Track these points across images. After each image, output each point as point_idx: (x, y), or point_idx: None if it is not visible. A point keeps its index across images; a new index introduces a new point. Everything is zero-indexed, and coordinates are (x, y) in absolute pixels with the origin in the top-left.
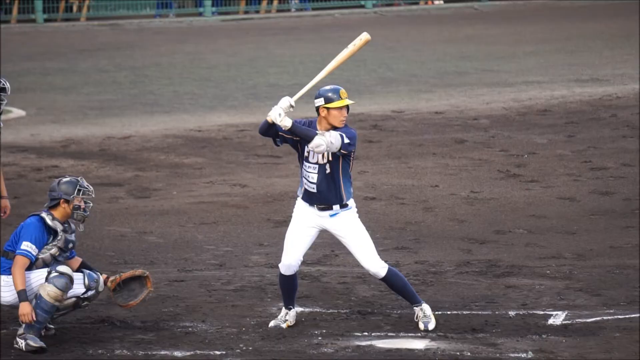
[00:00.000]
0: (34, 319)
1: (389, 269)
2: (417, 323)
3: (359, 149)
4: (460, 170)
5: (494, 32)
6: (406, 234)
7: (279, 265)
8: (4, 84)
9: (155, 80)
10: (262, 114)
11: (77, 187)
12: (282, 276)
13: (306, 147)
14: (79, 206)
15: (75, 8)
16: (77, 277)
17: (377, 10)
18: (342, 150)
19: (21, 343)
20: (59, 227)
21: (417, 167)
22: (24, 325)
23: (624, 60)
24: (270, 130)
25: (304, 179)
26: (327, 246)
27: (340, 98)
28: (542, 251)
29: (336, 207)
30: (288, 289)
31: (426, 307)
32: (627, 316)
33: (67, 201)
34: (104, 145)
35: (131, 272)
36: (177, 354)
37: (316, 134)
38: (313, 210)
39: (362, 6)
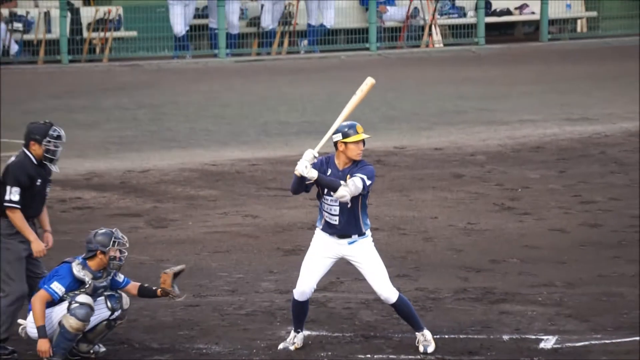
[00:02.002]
0: (51, 355)
1: (399, 296)
2: (417, 346)
3: None
4: (458, 203)
5: (490, 74)
6: (407, 263)
7: (294, 290)
8: (59, 132)
9: (173, 117)
10: (273, 150)
11: (112, 239)
12: (295, 301)
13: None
14: (115, 257)
15: (98, 50)
16: (99, 302)
17: (380, 53)
18: (363, 192)
19: None
20: (88, 277)
21: (417, 200)
22: (52, 349)
23: (612, 101)
24: (302, 184)
25: (325, 212)
26: (333, 274)
27: (356, 133)
28: (534, 279)
29: (355, 236)
30: (299, 313)
31: (427, 333)
32: (613, 341)
33: (103, 252)
34: (124, 178)
35: (177, 268)
36: None
37: (340, 184)
38: (333, 240)
39: (367, 48)
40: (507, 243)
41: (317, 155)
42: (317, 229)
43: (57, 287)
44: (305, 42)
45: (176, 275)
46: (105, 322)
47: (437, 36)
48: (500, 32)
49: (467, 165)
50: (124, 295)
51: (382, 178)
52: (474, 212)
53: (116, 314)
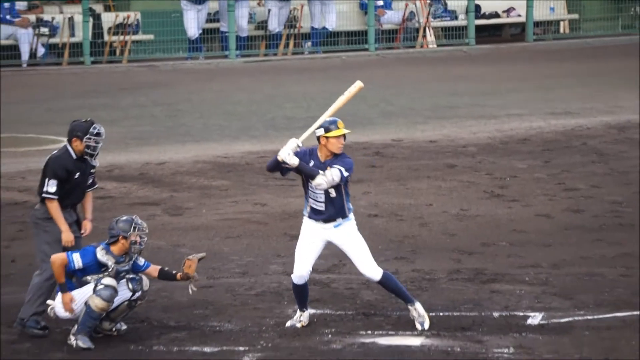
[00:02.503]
0: (73, 310)
1: (383, 273)
2: (413, 323)
3: (363, 172)
4: (451, 191)
5: (480, 72)
6: (404, 246)
7: (292, 276)
8: (99, 130)
9: (187, 114)
10: (280, 143)
11: (133, 225)
12: (295, 285)
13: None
14: (136, 241)
15: (118, 52)
16: (121, 284)
17: (379, 53)
18: (341, 182)
19: (74, 341)
20: (111, 261)
21: (413, 189)
22: (76, 327)
23: (593, 96)
24: (277, 167)
25: (311, 199)
26: (335, 257)
27: (337, 128)
28: (522, 261)
29: (339, 219)
30: (300, 295)
31: (419, 306)
32: (595, 317)
33: (125, 237)
34: (143, 170)
35: (200, 255)
36: (207, 349)
37: (319, 173)
38: (319, 225)
39: (366, 49)
40: (496, 228)
41: (300, 144)
42: (304, 217)
43: (76, 259)
44: (309, 43)
45: (198, 262)
46: (126, 303)
47: (430, 37)
48: (489, 33)
49: (459, 156)
50: (144, 277)
51: (381, 168)
52: (466, 200)
53: (137, 294)
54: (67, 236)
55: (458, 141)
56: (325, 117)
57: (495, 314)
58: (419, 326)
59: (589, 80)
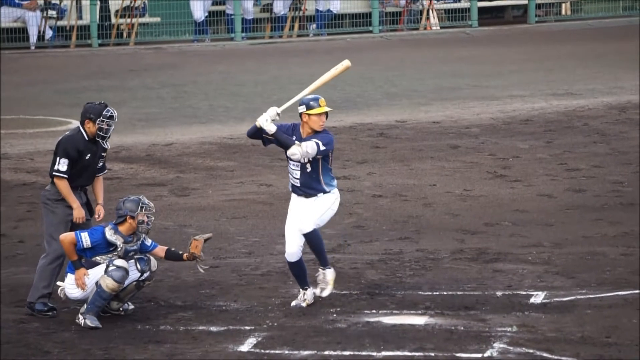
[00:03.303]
0: (85, 284)
1: (315, 229)
2: (417, 303)
3: (367, 153)
4: (454, 172)
5: (483, 54)
6: (408, 226)
7: (285, 255)
8: (112, 113)
9: (194, 95)
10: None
11: (140, 204)
12: (290, 263)
13: None
14: (143, 220)
15: (125, 34)
16: (130, 264)
17: (383, 35)
18: (318, 156)
19: (82, 320)
20: (120, 241)
21: (417, 169)
22: (85, 306)
23: (594, 77)
24: (256, 133)
25: (289, 174)
26: (340, 237)
27: (319, 106)
28: (524, 240)
29: (320, 194)
30: (298, 272)
31: (329, 272)
32: (597, 295)
33: (132, 217)
34: (149, 151)
35: (206, 236)
36: (213, 329)
37: (294, 143)
38: (302, 199)
39: (370, 31)
40: (499, 207)
41: (279, 112)
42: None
43: (85, 238)
44: (314, 26)
45: (205, 242)
46: (134, 283)
47: (434, 19)
48: (492, 15)
49: (463, 137)
50: (152, 258)
51: (385, 149)
52: (469, 180)
53: (145, 275)
54: (79, 212)
55: (461, 122)
56: (309, 90)
57: (498, 293)
58: (317, 291)
59: (591, 62)
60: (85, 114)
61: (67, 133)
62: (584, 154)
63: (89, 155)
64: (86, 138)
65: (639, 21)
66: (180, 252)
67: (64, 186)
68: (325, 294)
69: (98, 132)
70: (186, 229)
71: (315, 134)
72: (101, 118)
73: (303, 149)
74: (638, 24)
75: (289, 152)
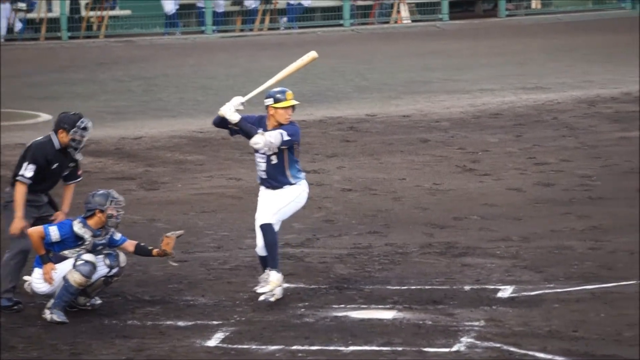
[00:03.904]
0: (52, 278)
1: (271, 224)
2: (384, 297)
3: (337, 147)
4: (424, 166)
5: (453, 47)
6: (378, 220)
7: (256, 249)
8: (86, 124)
9: (164, 88)
10: None
11: (109, 198)
12: (260, 257)
13: None
14: (112, 215)
15: (95, 27)
16: (99, 259)
17: (353, 29)
18: (282, 147)
19: (48, 315)
20: (88, 234)
21: (387, 163)
22: (52, 301)
23: (564, 71)
24: (222, 122)
25: (256, 166)
26: (309, 231)
27: (286, 99)
28: (493, 234)
29: (286, 186)
30: (265, 265)
31: (274, 274)
32: (565, 289)
33: (101, 211)
34: (119, 144)
35: (178, 233)
36: (181, 323)
37: (257, 133)
38: (269, 191)
39: (341, 25)
40: (468, 201)
41: (244, 102)
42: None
43: (53, 231)
44: (285, 19)
45: (176, 239)
46: (102, 278)
47: (405, 13)
48: (462, 9)
49: (432, 131)
50: (121, 254)
51: (355, 143)
52: (439, 174)
53: (113, 271)
54: (17, 224)
55: (431, 116)
56: (275, 80)
57: (467, 287)
58: (257, 288)
59: (560, 56)
60: (59, 123)
61: (38, 139)
62: (553, 147)
63: (56, 164)
64: (57, 147)
65: (610, 15)
66: (150, 248)
67: (21, 193)
68: (262, 290)
69: (71, 143)
70: (155, 223)
71: (281, 126)
72: (75, 129)
73: (267, 139)
74: (608, 18)
75: (252, 141)
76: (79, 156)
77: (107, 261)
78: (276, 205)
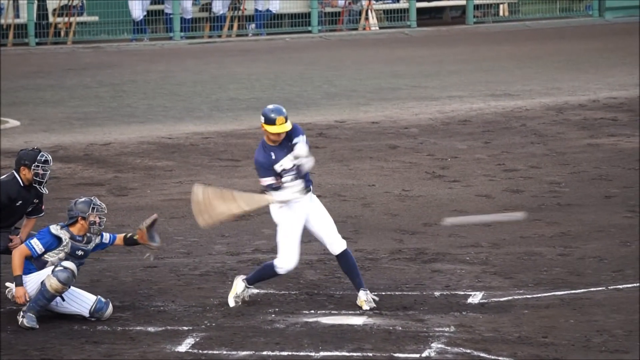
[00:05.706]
0: (27, 300)
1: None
2: (356, 302)
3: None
4: (393, 172)
5: (421, 54)
6: (347, 226)
7: (280, 268)
8: (46, 157)
9: (132, 95)
10: (224, 124)
11: (92, 206)
12: (278, 275)
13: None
14: (95, 221)
15: (62, 33)
16: (89, 298)
17: (322, 35)
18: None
19: (20, 319)
20: (65, 236)
21: (356, 169)
22: (28, 305)
23: (532, 78)
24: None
25: (287, 185)
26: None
27: (275, 124)
28: (462, 240)
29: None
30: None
31: (363, 294)
32: (534, 296)
33: (83, 218)
34: (87, 150)
35: (149, 220)
36: (151, 329)
37: (306, 158)
38: (304, 200)
39: (310, 31)
40: (438, 208)
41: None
42: (281, 207)
43: (36, 244)
44: (253, 25)
45: (151, 226)
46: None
47: (373, 20)
48: (430, 16)
49: (401, 137)
50: (110, 305)
51: (324, 149)
52: (408, 180)
53: (91, 319)
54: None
55: (400, 122)
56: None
57: (437, 293)
58: (365, 307)
59: (528, 62)
60: (19, 160)
61: (2, 177)
62: (522, 154)
63: (20, 202)
64: (21, 184)
65: (576, 22)
66: (135, 238)
67: None
68: (367, 307)
69: (34, 178)
70: (124, 229)
71: (294, 131)
72: (36, 163)
73: (304, 152)
74: (575, 25)
75: (308, 166)
76: (44, 190)
77: (92, 309)
78: (331, 221)
